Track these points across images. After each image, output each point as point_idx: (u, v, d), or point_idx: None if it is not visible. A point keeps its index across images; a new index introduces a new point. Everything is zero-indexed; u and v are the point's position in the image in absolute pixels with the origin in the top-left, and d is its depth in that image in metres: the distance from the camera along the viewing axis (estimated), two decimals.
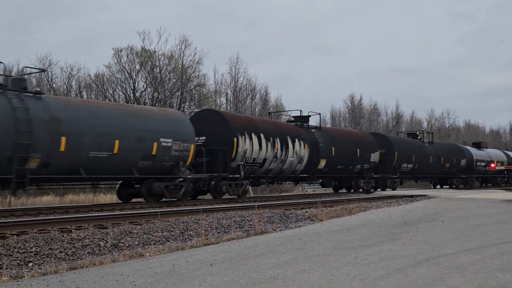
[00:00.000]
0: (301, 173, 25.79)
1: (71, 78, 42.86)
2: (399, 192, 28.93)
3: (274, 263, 6.79)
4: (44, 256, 8.12)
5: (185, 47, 43.35)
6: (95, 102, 21.38)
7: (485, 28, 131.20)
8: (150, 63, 41.68)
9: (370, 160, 29.85)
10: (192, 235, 10.53)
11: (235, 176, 21.34)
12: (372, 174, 30.14)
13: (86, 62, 79.55)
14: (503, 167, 43.28)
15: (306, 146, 25.24)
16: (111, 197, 24.94)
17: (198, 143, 20.13)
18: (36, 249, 8.39)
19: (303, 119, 27.03)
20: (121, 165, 16.98)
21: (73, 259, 8.08)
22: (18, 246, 8.41)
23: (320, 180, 29.32)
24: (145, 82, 42.07)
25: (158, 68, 42.13)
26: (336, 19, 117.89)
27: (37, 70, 28.29)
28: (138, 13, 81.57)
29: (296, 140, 24.69)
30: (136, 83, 41.80)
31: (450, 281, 5.52)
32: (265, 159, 22.67)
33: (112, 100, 40.18)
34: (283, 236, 10.03)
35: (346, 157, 28.16)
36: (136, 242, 9.55)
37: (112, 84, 42.25)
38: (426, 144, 37.35)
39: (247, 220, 12.69)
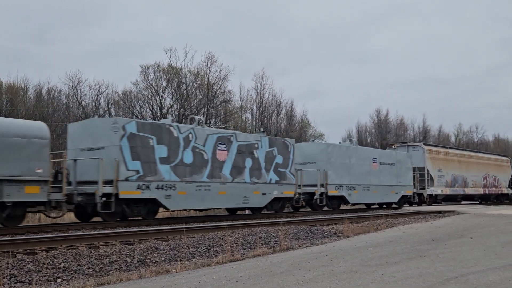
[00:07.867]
0: None
1: (99, 96, 43.64)
2: (426, 208, 28.63)
3: (299, 280, 6.77)
4: (72, 272, 8.25)
5: (211, 64, 43.78)
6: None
7: None
8: (176, 79, 42.14)
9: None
10: (218, 251, 10.57)
11: None
12: None
13: (113, 77, 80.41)
14: None
15: None
16: None
17: None
18: (65, 265, 8.53)
19: None
20: None
21: (100, 275, 8.19)
22: (47, 262, 8.55)
23: None
24: (172, 98, 42.56)
25: (184, 84, 42.57)
26: (368, 26, 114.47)
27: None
28: (163, 21, 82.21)
29: None
30: (163, 99, 42.34)
31: None
32: None
33: (139, 117, 40.71)
34: (309, 253, 9.99)
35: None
36: (163, 258, 9.62)
37: (139, 101, 42.87)
38: None
39: (273, 236, 12.67)
